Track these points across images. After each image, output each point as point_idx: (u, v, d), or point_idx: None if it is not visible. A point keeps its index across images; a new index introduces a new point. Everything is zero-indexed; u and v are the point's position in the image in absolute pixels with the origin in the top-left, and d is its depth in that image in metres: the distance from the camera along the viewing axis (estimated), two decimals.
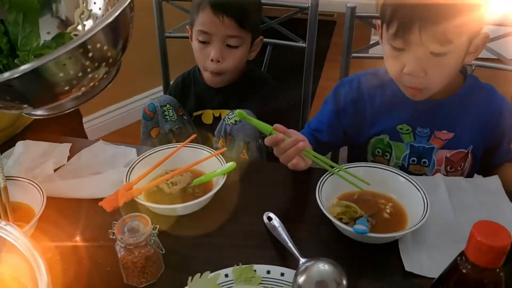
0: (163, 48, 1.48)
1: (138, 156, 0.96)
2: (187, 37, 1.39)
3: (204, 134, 1.33)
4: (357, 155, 1.10)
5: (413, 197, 0.85)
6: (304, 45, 1.34)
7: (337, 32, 3.57)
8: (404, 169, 1.04)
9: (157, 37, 1.45)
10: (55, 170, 0.96)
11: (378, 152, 1.07)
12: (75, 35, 0.82)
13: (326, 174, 0.88)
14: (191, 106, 1.31)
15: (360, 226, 0.77)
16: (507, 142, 1.05)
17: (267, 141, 0.90)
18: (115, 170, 0.95)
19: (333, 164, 0.90)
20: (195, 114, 1.32)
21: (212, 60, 1.18)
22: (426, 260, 0.77)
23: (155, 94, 2.36)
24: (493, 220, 0.83)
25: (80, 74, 0.65)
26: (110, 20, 0.62)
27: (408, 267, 0.76)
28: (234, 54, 1.20)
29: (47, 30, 0.83)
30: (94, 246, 0.81)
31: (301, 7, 1.31)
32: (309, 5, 1.28)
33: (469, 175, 1.06)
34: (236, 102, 1.24)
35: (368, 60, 1.35)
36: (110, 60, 0.68)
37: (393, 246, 0.79)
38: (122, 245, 0.71)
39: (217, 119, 1.27)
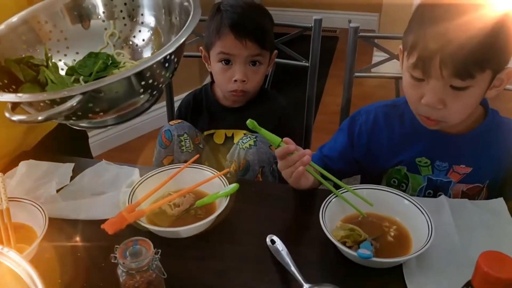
0: None
1: (140, 176, 0.96)
2: (190, 56, 1.40)
3: (216, 156, 1.33)
4: (371, 183, 1.10)
5: (417, 220, 0.84)
6: (307, 64, 1.34)
7: (340, 48, 3.60)
8: None
9: None
10: (57, 191, 0.96)
11: (394, 182, 1.05)
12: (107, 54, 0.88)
13: (330, 196, 0.88)
14: (203, 125, 1.31)
15: (364, 251, 0.76)
16: None
17: (277, 152, 0.90)
18: (117, 190, 0.94)
19: (337, 181, 0.89)
20: (206, 133, 1.31)
21: (235, 81, 1.19)
22: (431, 285, 0.76)
23: (157, 110, 2.38)
24: (498, 242, 0.83)
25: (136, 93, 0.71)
26: (173, 48, 0.71)
27: None
28: (257, 72, 1.21)
29: (76, 50, 0.90)
30: (95, 269, 0.80)
31: (304, 27, 1.32)
32: (312, 25, 1.29)
33: None
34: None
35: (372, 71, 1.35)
36: (161, 85, 0.75)
37: (397, 270, 0.78)
38: (124, 270, 0.70)
39: (228, 139, 1.27)
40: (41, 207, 0.85)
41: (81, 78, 0.84)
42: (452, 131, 0.98)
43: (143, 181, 0.92)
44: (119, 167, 1.03)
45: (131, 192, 0.88)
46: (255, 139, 1.13)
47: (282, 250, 0.81)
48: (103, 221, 0.80)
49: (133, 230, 0.81)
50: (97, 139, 2.33)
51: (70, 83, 0.84)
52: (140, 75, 0.70)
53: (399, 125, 1.03)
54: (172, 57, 0.75)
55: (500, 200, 0.94)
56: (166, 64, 0.74)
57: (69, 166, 1.04)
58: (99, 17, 0.91)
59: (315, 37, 1.30)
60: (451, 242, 0.84)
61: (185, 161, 1.20)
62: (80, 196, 0.94)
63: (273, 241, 0.83)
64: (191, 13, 0.78)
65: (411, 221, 0.86)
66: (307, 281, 0.73)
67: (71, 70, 0.87)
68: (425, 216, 0.83)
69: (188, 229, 0.83)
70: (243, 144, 1.14)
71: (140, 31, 0.92)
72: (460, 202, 0.94)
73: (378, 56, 1.20)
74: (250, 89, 1.22)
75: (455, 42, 0.80)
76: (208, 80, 1.52)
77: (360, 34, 1.25)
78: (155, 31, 0.91)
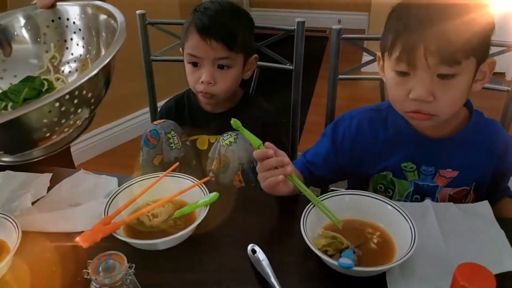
0: (149, 71, 1.46)
1: (120, 185, 0.94)
2: (173, 60, 1.38)
3: (199, 161, 1.31)
4: (358, 189, 1.08)
5: (401, 226, 0.82)
6: (291, 67, 1.32)
7: (330, 48, 3.59)
8: None
9: (142, 60, 1.44)
10: (33, 203, 0.94)
11: (381, 187, 1.03)
12: (45, 79, 0.82)
13: (310, 204, 0.86)
14: (185, 130, 1.29)
15: (345, 260, 0.74)
16: (507, 180, 1.03)
17: (255, 154, 0.88)
18: (95, 201, 0.92)
19: (314, 197, 0.86)
20: (190, 138, 1.30)
21: (202, 82, 1.17)
22: None
23: (142, 116, 2.36)
24: (483, 247, 0.82)
25: (62, 120, 0.64)
26: (100, 68, 0.65)
27: None
28: (226, 75, 1.18)
29: (13, 73, 0.84)
30: (70, 284, 0.78)
31: (287, 29, 1.30)
32: (295, 27, 1.27)
33: None
34: (233, 128, 1.22)
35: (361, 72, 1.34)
36: (92, 107, 0.70)
37: (381, 279, 0.77)
38: (97, 286, 0.68)
39: (212, 145, 1.25)
40: (14, 220, 0.82)
41: (9, 105, 0.79)
42: (437, 135, 0.96)
43: (121, 191, 0.90)
44: (98, 176, 1.01)
45: (108, 202, 0.86)
46: (235, 136, 1.12)
47: (262, 260, 0.79)
48: (80, 233, 0.78)
49: (110, 242, 0.79)
50: (80, 147, 2.32)
51: None
52: (58, 104, 0.64)
53: (383, 131, 1.01)
54: (83, 88, 0.68)
55: (485, 203, 0.92)
56: (77, 94, 0.68)
57: (47, 177, 1.01)
58: (39, 39, 0.88)
59: (298, 40, 1.28)
60: (436, 248, 0.82)
61: (175, 158, 1.19)
62: (57, 207, 0.92)
63: (254, 251, 0.81)
64: (117, 34, 0.75)
65: (394, 227, 0.84)
66: None
67: (3, 95, 0.83)
68: (408, 222, 0.81)
69: (166, 241, 0.80)
70: (223, 141, 1.12)
71: (72, 54, 0.88)
72: (445, 206, 0.92)
73: (367, 55, 1.19)
74: (218, 92, 1.19)
75: (437, 28, 0.80)
76: None
77: (343, 35, 1.23)
78: (83, 57, 0.88)
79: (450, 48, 0.80)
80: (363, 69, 1.37)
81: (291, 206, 0.94)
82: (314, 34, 3.64)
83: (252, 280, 0.78)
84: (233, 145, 1.10)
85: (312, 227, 0.83)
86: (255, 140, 0.88)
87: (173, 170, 0.93)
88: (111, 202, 0.86)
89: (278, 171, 0.87)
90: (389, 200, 0.87)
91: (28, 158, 0.72)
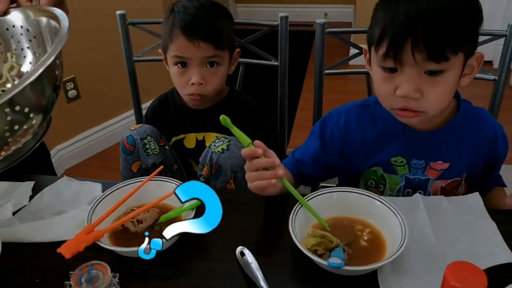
0: (132, 72, 1.43)
1: (104, 191, 0.91)
2: (156, 60, 1.36)
3: (186, 161, 1.28)
4: (348, 185, 1.07)
5: (391, 223, 0.81)
6: (276, 63, 1.30)
7: None
8: None
9: (125, 61, 1.41)
10: (15, 213, 0.91)
11: (371, 183, 1.02)
12: (3, 90, 0.79)
13: (298, 204, 0.84)
14: (171, 130, 1.27)
15: (335, 260, 0.72)
16: (498, 169, 1.02)
17: (243, 152, 0.85)
18: (78, 209, 0.90)
19: (301, 199, 0.84)
20: (175, 138, 1.27)
21: (193, 84, 1.14)
22: None
23: (130, 117, 2.33)
24: (475, 240, 0.81)
25: (10, 128, 0.61)
26: (35, 76, 0.61)
27: None
28: (215, 73, 1.16)
29: None
30: None
31: (271, 25, 1.28)
32: (278, 22, 1.25)
33: None
34: (221, 124, 1.20)
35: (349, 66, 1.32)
36: (42, 114, 0.67)
37: (372, 277, 0.75)
38: None
39: (200, 143, 1.23)
40: None
41: None
42: (426, 127, 0.95)
43: (104, 197, 0.87)
44: (81, 183, 0.99)
45: (90, 210, 0.84)
46: (228, 143, 1.09)
47: (251, 263, 0.77)
48: (64, 242, 0.75)
49: (93, 252, 0.77)
50: (65, 153, 2.29)
51: None
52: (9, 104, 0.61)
53: (371, 126, 0.99)
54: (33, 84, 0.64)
55: (476, 195, 0.91)
56: (20, 101, 0.64)
57: (29, 185, 0.99)
58: None
59: (282, 35, 1.26)
60: (427, 243, 0.81)
61: (153, 164, 1.16)
62: (39, 217, 0.89)
63: (242, 253, 0.79)
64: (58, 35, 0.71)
65: (384, 223, 0.83)
66: None
67: None
68: (398, 218, 0.80)
69: None
70: (215, 147, 1.10)
71: (30, 62, 0.84)
72: (435, 200, 0.91)
73: (354, 49, 1.17)
74: (208, 91, 1.17)
75: (426, 24, 0.77)
76: None
77: (328, 30, 1.22)
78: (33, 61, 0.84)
79: (438, 44, 0.78)
80: (350, 62, 1.35)
81: (279, 207, 0.93)
82: (301, 28, 3.62)
83: (241, 283, 0.76)
84: (226, 152, 1.08)
85: (301, 226, 0.81)
86: (244, 139, 0.85)
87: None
88: (94, 209, 0.84)
89: (268, 173, 0.85)
90: (378, 196, 0.85)
91: None
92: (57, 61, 0.69)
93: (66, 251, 0.74)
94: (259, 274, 0.74)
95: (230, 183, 1.11)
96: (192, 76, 1.14)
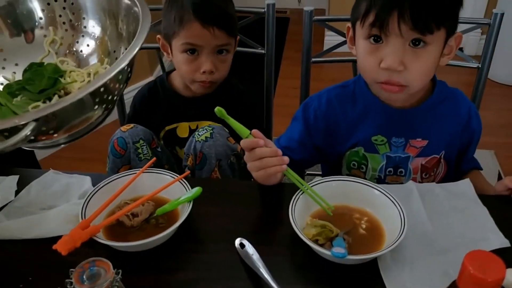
0: None
1: (94, 184, 0.88)
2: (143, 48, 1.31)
3: (178, 154, 1.26)
4: (332, 169, 1.07)
5: (388, 211, 0.82)
6: (263, 51, 1.29)
7: (291, 29, 3.56)
8: (381, 180, 1.02)
9: None
10: (1, 209, 0.87)
11: (354, 165, 1.03)
12: (49, 63, 0.82)
13: (297, 192, 0.84)
14: (163, 119, 1.23)
15: (338, 249, 0.72)
16: (474, 147, 1.06)
17: (243, 143, 0.85)
18: (69, 203, 0.87)
19: (302, 181, 0.85)
20: (168, 128, 1.24)
21: (204, 72, 1.12)
22: (408, 277, 0.74)
23: None
24: (469, 226, 0.83)
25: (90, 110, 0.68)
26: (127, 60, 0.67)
27: (390, 286, 0.72)
28: (225, 61, 1.16)
29: (14, 61, 0.83)
30: None
31: (257, 12, 1.26)
32: (265, 10, 1.23)
33: (443, 180, 1.04)
34: (214, 112, 1.18)
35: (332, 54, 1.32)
36: (115, 97, 0.72)
37: (372, 264, 0.76)
38: None
39: (193, 132, 1.21)
40: None
41: (19, 97, 0.77)
42: (404, 105, 0.98)
43: (97, 191, 0.85)
44: (69, 176, 0.95)
45: (83, 204, 0.81)
46: (211, 131, 1.08)
47: (252, 254, 0.76)
48: (56, 238, 0.73)
49: (91, 247, 0.75)
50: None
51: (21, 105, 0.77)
52: (94, 92, 0.65)
53: (351, 105, 1.02)
54: (126, 68, 0.69)
55: (467, 181, 0.94)
56: (120, 76, 0.69)
57: (14, 179, 0.95)
58: (37, 24, 0.83)
59: (269, 23, 1.25)
60: (424, 230, 0.82)
61: None
62: (27, 212, 0.86)
63: (242, 245, 0.79)
64: (140, 20, 0.72)
65: (382, 212, 0.83)
66: (280, 285, 0.69)
67: (17, 84, 0.79)
68: (397, 207, 0.80)
69: (150, 241, 0.76)
70: (199, 136, 1.08)
71: (83, 36, 0.86)
72: (428, 187, 0.92)
73: (329, 35, 1.17)
74: (218, 79, 1.16)
75: None
76: (160, 71, 1.44)
77: (316, 18, 1.21)
78: (100, 36, 0.85)
79: (423, 16, 0.81)
80: (335, 51, 1.35)
81: (276, 196, 0.92)
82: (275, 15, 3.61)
83: (242, 275, 0.75)
84: (210, 140, 1.07)
85: (300, 216, 0.81)
86: (243, 130, 0.84)
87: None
88: (87, 204, 0.81)
89: (274, 160, 0.84)
90: (376, 184, 0.86)
91: (55, 145, 0.75)
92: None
93: (62, 248, 0.71)
94: (261, 265, 0.74)
95: (215, 171, 1.10)
96: (203, 64, 1.12)
